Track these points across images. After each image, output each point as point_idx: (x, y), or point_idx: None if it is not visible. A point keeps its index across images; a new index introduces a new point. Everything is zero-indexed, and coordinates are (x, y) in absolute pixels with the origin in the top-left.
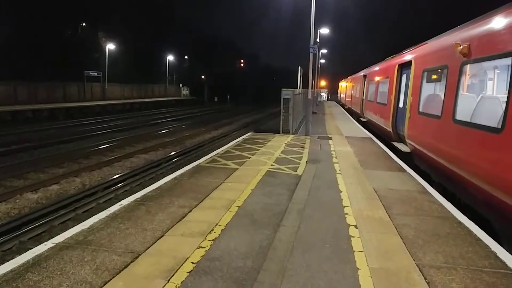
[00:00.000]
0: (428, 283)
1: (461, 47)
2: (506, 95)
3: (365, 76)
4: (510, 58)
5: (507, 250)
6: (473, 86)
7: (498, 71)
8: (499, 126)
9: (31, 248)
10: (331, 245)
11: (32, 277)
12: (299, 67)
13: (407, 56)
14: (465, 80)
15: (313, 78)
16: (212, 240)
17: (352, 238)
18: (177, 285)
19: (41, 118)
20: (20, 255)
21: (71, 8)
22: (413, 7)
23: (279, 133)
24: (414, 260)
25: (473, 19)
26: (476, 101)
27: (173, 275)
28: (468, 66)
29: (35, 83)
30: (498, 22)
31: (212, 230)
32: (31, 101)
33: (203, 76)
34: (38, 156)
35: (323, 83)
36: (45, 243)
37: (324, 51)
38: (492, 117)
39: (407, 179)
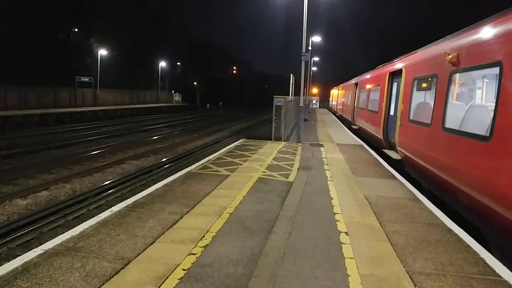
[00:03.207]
0: None
1: (450, 56)
2: (494, 104)
3: (356, 84)
4: (498, 67)
5: (496, 257)
6: (462, 94)
7: (487, 80)
8: (488, 134)
9: (20, 255)
10: (322, 252)
11: (21, 284)
12: (291, 75)
13: (398, 64)
14: (454, 89)
15: (305, 86)
16: (203, 246)
17: (343, 245)
18: None
19: (31, 124)
20: (8, 261)
21: (63, 13)
22: (405, 16)
23: (271, 140)
24: (404, 266)
25: (462, 29)
26: (465, 109)
27: (163, 282)
28: (457, 75)
29: (26, 88)
30: (486, 32)
31: (203, 236)
32: (22, 106)
33: (195, 83)
34: (28, 162)
35: (315, 90)
36: (34, 249)
37: (316, 58)
38: (481, 125)
39: (398, 186)
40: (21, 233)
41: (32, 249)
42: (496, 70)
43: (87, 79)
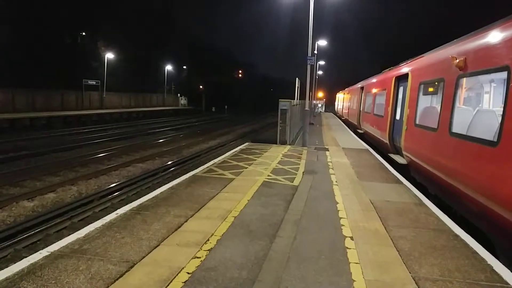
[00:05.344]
0: None
1: (457, 60)
2: (502, 109)
3: (362, 88)
4: (506, 72)
5: (503, 264)
6: (469, 99)
7: (494, 85)
8: (495, 139)
9: (26, 257)
10: (327, 257)
11: (26, 285)
12: (297, 78)
13: (404, 68)
14: (461, 93)
15: (311, 89)
16: (208, 250)
17: (348, 250)
18: None
19: (38, 126)
20: (15, 263)
21: (71, 17)
22: (411, 20)
23: (276, 143)
24: (410, 272)
25: (470, 33)
26: (472, 114)
27: (168, 285)
28: (464, 80)
29: (34, 91)
30: (494, 36)
31: (208, 240)
32: (29, 109)
33: (201, 86)
34: (35, 164)
35: (320, 94)
36: (40, 251)
37: (321, 62)
38: (488, 130)
39: (404, 191)
40: (27, 235)
41: (38, 251)
42: (504, 74)
43: (94, 82)
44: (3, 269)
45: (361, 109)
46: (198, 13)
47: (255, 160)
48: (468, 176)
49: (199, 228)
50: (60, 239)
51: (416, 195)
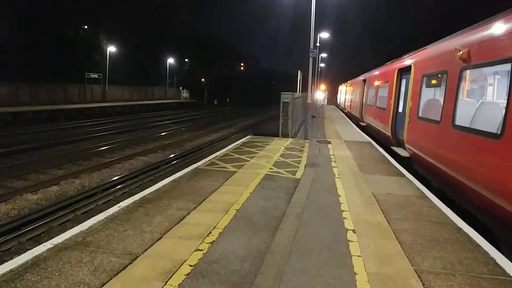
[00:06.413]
0: None
1: (461, 52)
2: (505, 101)
3: (364, 81)
4: (510, 63)
5: (506, 257)
6: (473, 91)
7: (498, 77)
8: (499, 132)
9: (30, 249)
10: (329, 250)
11: (30, 277)
12: (299, 71)
13: (407, 61)
14: (465, 86)
15: (313, 82)
16: (210, 243)
17: (350, 243)
18: None
19: (41, 119)
20: (19, 255)
21: (73, 10)
22: (414, 13)
23: (278, 136)
24: (412, 265)
25: (473, 25)
26: (476, 106)
27: (170, 278)
28: (467, 72)
29: (37, 84)
30: (498, 27)
31: (210, 233)
32: (33, 102)
33: (203, 79)
34: (38, 157)
35: (322, 87)
36: (44, 244)
37: (324, 55)
38: (492, 122)
39: (406, 184)
40: (31, 228)
41: (42, 243)
42: (507, 66)
43: (96, 76)
44: (7, 261)
45: (363, 102)
46: (200, 6)
47: (257, 153)
48: (471, 169)
49: (201, 221)
50: (64, 232)
51: (418, 188)
